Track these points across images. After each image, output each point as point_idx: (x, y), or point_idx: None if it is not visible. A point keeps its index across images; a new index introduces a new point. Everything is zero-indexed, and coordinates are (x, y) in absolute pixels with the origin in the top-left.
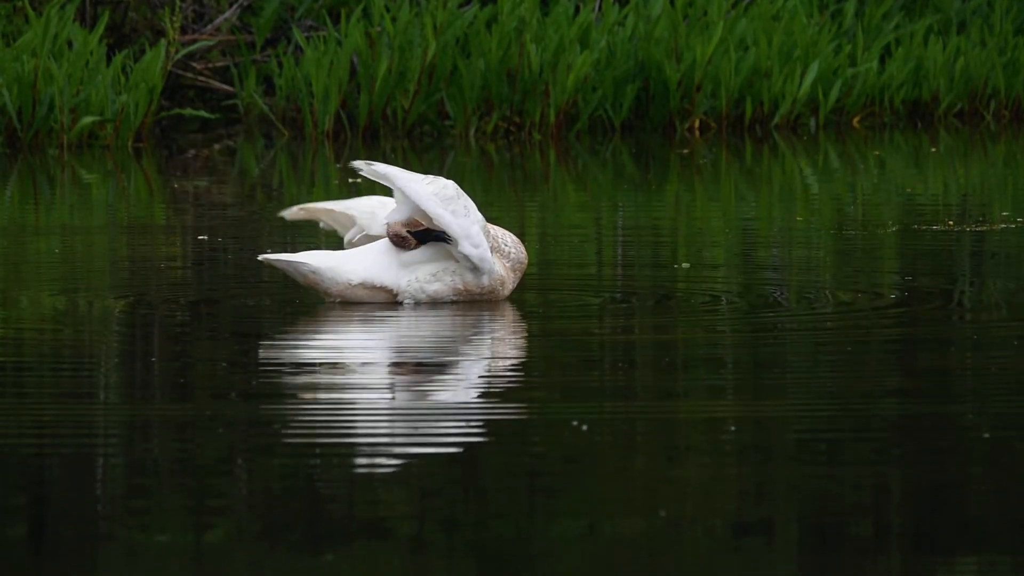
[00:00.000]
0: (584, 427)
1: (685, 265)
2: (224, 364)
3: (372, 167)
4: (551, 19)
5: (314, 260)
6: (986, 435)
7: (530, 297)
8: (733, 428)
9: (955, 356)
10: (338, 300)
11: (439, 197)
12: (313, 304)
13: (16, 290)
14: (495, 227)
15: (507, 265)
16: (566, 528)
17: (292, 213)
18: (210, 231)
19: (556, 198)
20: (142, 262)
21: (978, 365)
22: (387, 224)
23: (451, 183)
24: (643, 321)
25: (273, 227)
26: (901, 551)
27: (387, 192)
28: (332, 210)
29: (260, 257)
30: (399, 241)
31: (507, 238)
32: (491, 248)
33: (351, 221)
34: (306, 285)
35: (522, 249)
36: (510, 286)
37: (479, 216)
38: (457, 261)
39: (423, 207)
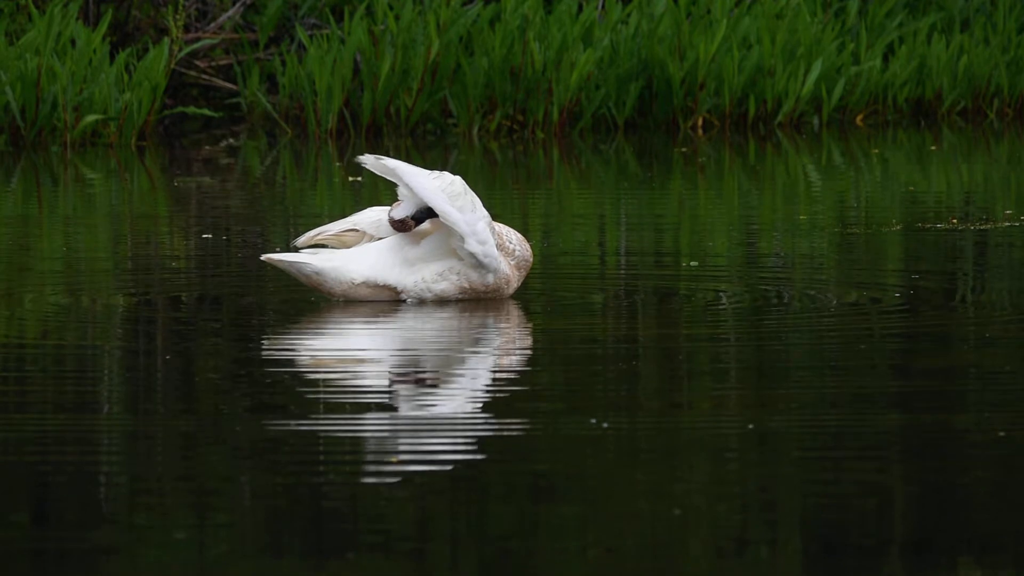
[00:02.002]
0: (605, 424)
1: (693, 264)
2: (227, 370)
3: (381, 161)
4: (554, 17)
5: (317, 260)
6: (1001, 433)
7: (535, 296)
8: (738, 435)
9: (963, 357)
10: (342, 299)
11: (446, 193)
12: (317, 302)
13: (20, 288)
14: (499, 225)
15: (511, 263)
16: (570, 540)
17: (304, 241)
18: (214, 229)
19: (560, 196)
20: (145, 260)
21: (990, 366)
22: (389, 214)
23: (458, 179)
24: (648, 321)
25: (277, 224)
26: (905, 559)
27: (389, 191)
28: (340, 235)
29: (263, 257)
30: (399, 226)
31: (511, 235)
32: (496, 245)
33: (359, 237)
34: (309, 285)
35: (527, 247)
36: (515, 284)
37: (484, 213)
38: (462, 259)
39: (429, 202)
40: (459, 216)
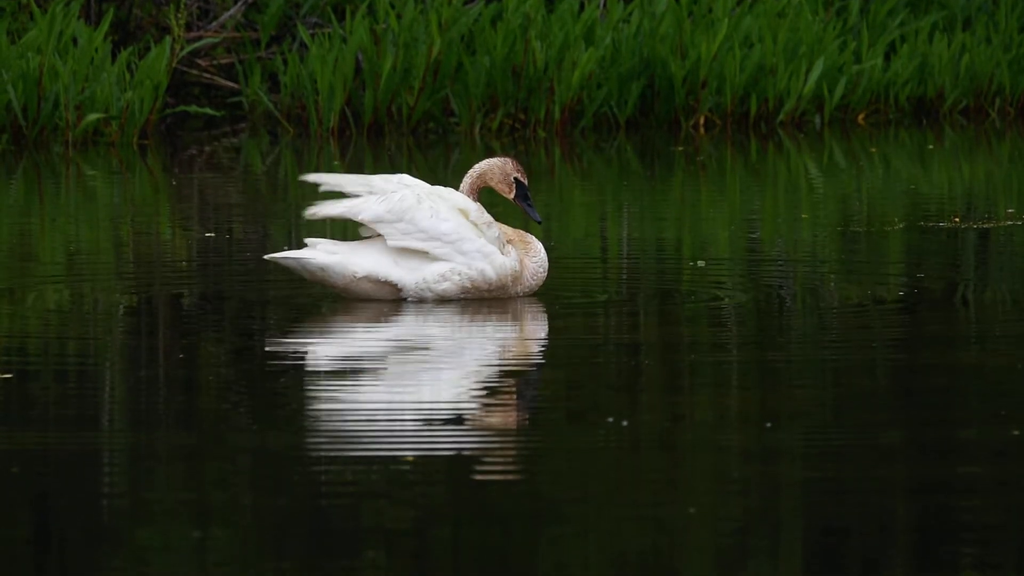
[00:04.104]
0: (624, 423)
1: (700, 263)
2: (230, 375)
3: (322, 211)
4: (556, 16)
5: (321, 256)
6: (1016, 432)
7: (538, 296)
8: (745, 438)
9: (973, 356)
10: (342, 293)
11: (388, 210)
12: (320, 303)
13: (22, 288)
14: (531, 236)
15: (526, 261)
16: (571, 546)
17: (314, 179)
18: (216, 228)
19: (561, 195)
20: (147, 259)
21: (1000, 365)
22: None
23: (409, 194)
24: (650, 323)
25: (279, 223)
26: (909, 561)
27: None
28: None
29: (266, 257)
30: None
31: (539, 248)
32: (509, 240)
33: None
34: (312, 281)
35: (546, 266)
36: (521, 287)
37: (455, 226)
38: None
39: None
40: (356, 200)
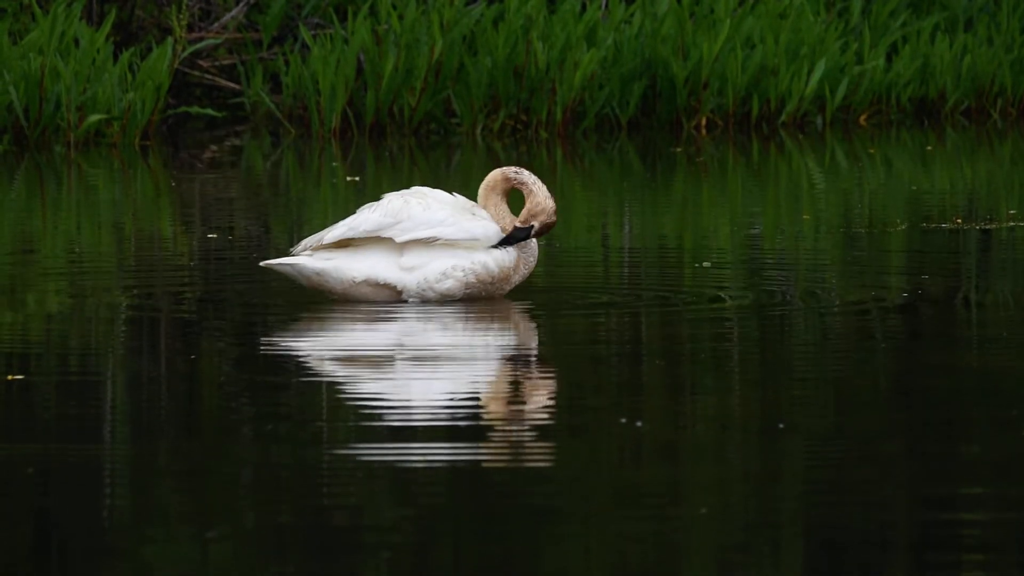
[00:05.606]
0: (638, 423)
1: (705, 264)
2: (231, 379)
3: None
4: (558, 17)
5: (317, 261)
6: None
7: (540, 298)
8: (741, 444)
9: (977, 357)
10: (341, 298)
11: (378, 212)
12: (320, 303)
13: (23, 289)
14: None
15: (520, 255)
16: (573, 550)
17: (301, 251)
18: (217, 229)
19: (563, 196)
20: (148, 260)
21: (1005, 365)
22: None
23: (396, 199)
24: (651, 323)
25: (280, 223)
26: (909, 560)
27: (390, 189)
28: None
29: (262, 264)
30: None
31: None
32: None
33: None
34: (310, 287)
35: (536, 254)
36: (518, 277)
37: (436, 215)
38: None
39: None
40: (348, 221)
